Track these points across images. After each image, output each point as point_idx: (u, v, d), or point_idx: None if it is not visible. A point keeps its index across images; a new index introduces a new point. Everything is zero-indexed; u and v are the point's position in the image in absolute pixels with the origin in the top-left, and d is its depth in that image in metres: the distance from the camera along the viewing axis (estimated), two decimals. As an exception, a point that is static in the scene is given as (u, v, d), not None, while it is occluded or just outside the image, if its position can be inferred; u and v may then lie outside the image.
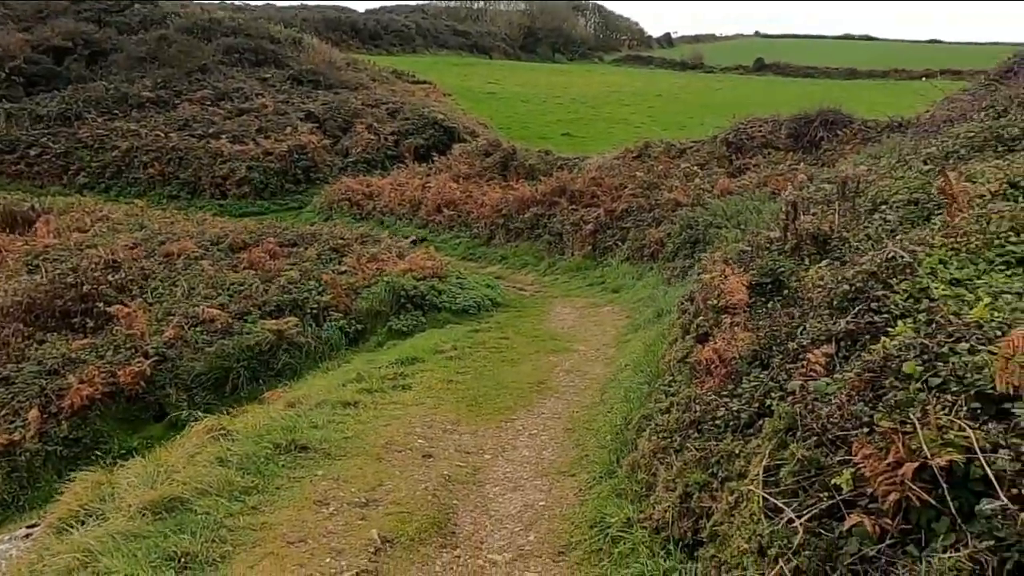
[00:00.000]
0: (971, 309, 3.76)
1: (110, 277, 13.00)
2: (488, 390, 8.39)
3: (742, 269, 7.15)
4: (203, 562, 4.62)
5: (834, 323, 4.57)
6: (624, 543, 4.74)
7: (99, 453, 8.88)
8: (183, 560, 4.60)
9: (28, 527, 6.55)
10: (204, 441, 6.48)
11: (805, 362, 4.33)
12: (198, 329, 11.07)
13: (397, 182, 22.29)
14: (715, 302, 6.63)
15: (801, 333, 4.81)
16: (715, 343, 5.78)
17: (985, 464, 2.64)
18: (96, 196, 24.16)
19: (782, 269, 6.57)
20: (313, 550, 4.84)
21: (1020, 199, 6.14)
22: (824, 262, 6.29)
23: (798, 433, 3.69)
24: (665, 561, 4.35)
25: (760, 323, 5.70)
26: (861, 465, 3.07)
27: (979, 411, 3.01)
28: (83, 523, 5.43)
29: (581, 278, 15.31)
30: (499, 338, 10.89)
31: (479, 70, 52.60)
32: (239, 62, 34.18)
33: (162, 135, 26.62)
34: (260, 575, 4.53)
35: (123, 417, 9.87)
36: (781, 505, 3.43)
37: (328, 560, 4.73)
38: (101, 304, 11.90)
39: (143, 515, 5.11)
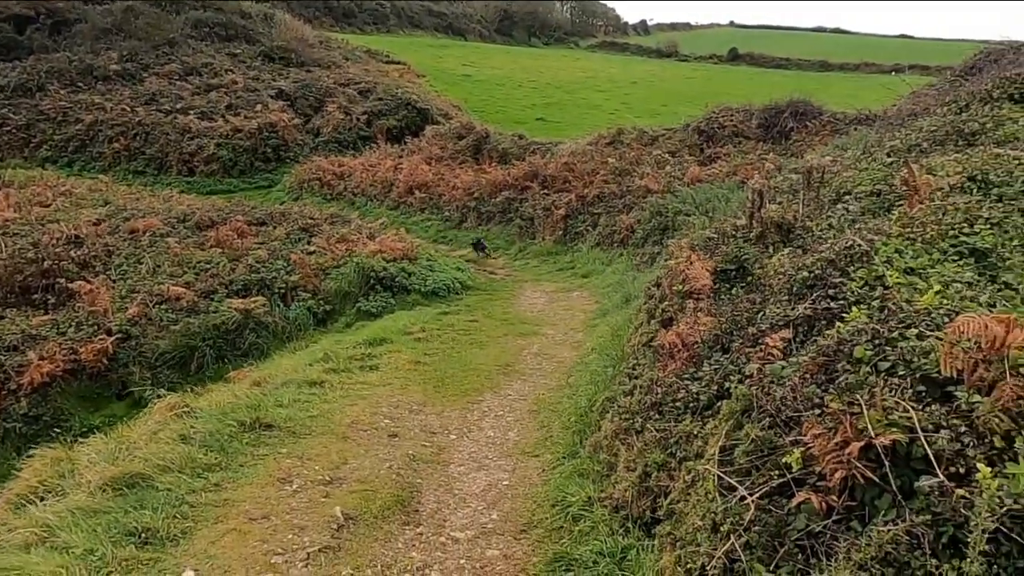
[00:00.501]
0: (922, 296, 3.87)
1: (72, 253, 12.76)
2: (455, 372, 8.43)
3: (707, 255, 7.26)
4: (164, 537, 4.61)
5: (792, 309, 4.68)
6: (584, 521, 4.83)
7: (59, 430, 8.75)
8: (144, 535, 4.58)
9: (-15, 503, 6.45)
10: (167, 418, 6.44)
11: (763, 346, 4.43)
12: (163, 307, 10.94)
13: (369, 163, 22.13)
14: (680, 287, 6.73)
15: (761, 318, 4.92)
16: (678, 327, 5.88)
17: (926, 443, 2.75)
18: (59, 170, 23.64)
19: (746, 256, 6.69)
20: (276, 526, 4.85)
21: (976, 193, 6.32)
22: (787, 250, 6.42)
23: (753, 414, 3.79)
24: (624, 539, 4.44)
25: (723, 308, 5.80)
26: (811, 445, 3.17)
27: (924, 394, 3.13)
28: (42, 499, 5.38)
29: (552, 263, 15.40)
30: (468, 321, 10.93)
31: (454, 52, 52.17)
32: (208, 36, 33.53)
33: (128, 109, 26.05)
34: (222, 551, 4.53)
35: (85, 395, 9.74)
36: (735, 483, 3.52)
37: (291, 536, 4.75)
38: (63, 280, 11.69)
39: (103, 491, 5.07)
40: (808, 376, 3.67)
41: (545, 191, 17.33)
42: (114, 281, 12.10)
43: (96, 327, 10.36)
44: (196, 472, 5.44)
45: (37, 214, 16.22)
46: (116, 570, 4.24)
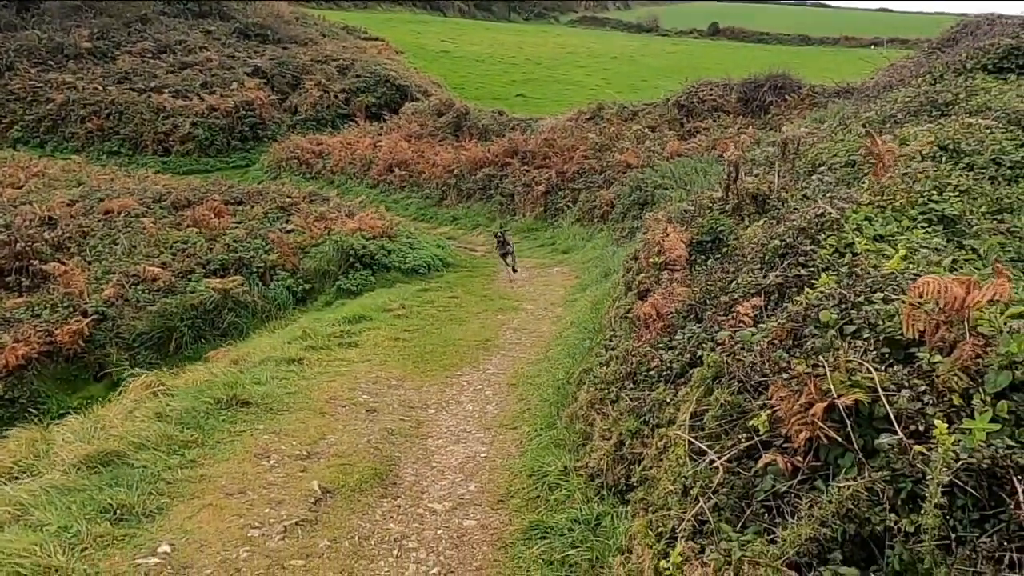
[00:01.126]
0: (889, 262, 3.92)
1: (46, 234, 12.59)
2: (435, 347, 8.44)
3: (684, 228, 7.28)
4: (140, 514, 4.60)
5: (764, 277, 4.71)
6: (561, 490, 4.89)
7: (36, 413, 8.67)
8: (119, 512, 4.57)
9: (-40, 485, 6.40)
10: (142, 397, 6.40)
11: (735, 314, 4.47)
12: (139, 288, 10.83)
13: (347, 141, 21.91)
14: (656, 259, 6.75)
15: (733, 287, 4.95)
16: (654, 298, 5.91)
17: (887, 403, 2.80)
18: (31, 151, 23.23)
19: (722, 228, 6.71)
20: (252, 501, 4.86)
21: (947, 161, 6.39)
22: (761, 221, 6.46)
23: (723, 380, 3.84)
24: (598, 506, 4.50)
25: (697, 279, 5.83)
26: (777, 407, 3.22)
27: (887, 355, 3.17)
28: (16, 479, 5.33)
29: (532, 239, 15.39)
30: (448, 297, 10.93)
31: (433, 28, 51.54)
32: (182, 13, 32.92)
33: (100, 88, 25.56)
34: (198, 526, 4.54)
35: (62, 377, 9.66)
36: (705, 448, 3.57)
37: (267, 510, 4.76)
38: (37, 262, 11.55)
39: (78, 469, 5.05)
40: (776, 341, 3.72)
41: (525, 167, 17.27)
42: (89, 262, 11.96)
43: (71, 309, 10.25)
44: (172, 449, 5.43)
45: (9, 195, 15.96)
46: (91, 546, 4.23)
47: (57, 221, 13.34)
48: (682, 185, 12.33)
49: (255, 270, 11.67)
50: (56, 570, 3.99)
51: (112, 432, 5.64)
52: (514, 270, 11.82)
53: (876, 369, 2.97)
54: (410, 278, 12.22)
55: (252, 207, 14.26)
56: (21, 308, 10.40)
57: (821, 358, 3.19)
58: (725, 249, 6.42)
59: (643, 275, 7.10)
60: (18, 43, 27.79)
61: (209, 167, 23.12)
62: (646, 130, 18.86)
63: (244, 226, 13.07)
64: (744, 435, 3.42)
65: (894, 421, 2.72)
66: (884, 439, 2.70)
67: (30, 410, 8.80)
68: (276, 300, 11.38)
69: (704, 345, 4.56)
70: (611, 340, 6.49)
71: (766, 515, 3.06)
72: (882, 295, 3.59)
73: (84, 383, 9.73)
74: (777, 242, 5.05)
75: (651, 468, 4.14)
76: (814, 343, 3.43)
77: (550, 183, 16.32)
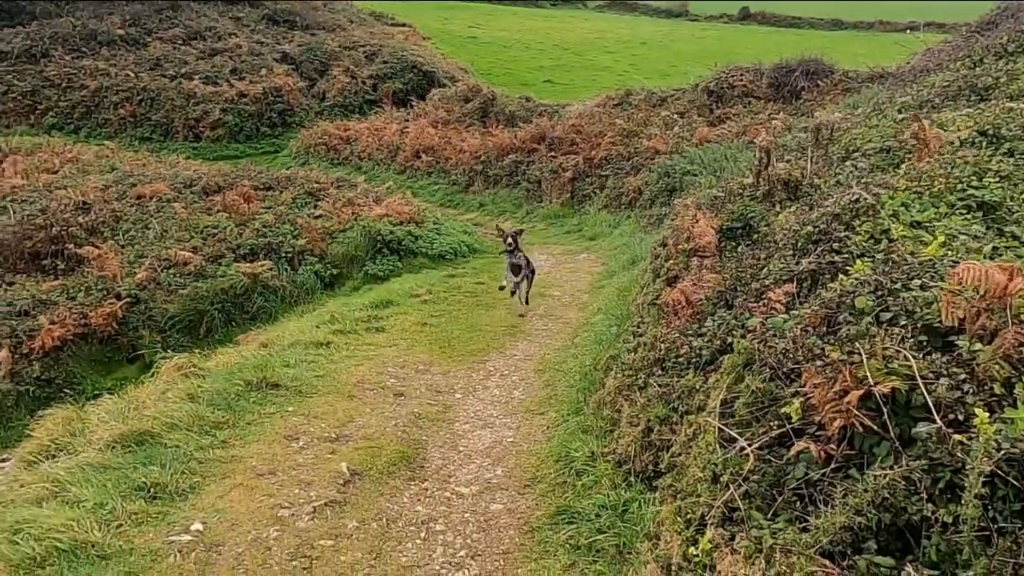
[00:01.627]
0: (927, 248, 3.83)
1: (80, 219, 12.80)
2: (462, 333, 8.46)
3: (713, 214, 7.20)
4: (172, 492, 4.69)
5: (796, 264, 4.64)
6: (588, 476, 4.88)
7: (72, 393, 8.87)
8: (152, 490, 4.66)
9: (-1, 462, 6.58)
10: (175, 378, 6.51)
11: (767, 301, 4.42)
12: (171, 271, 10.99)
13: (375, 127, 21.96)
14: (685, 246, 6.69)
15: (764, 274, 4.89)
16: (683, 285, 5.86)
17: (925, 391, 2.74)
18: (65, 137, 23.59)
19: (752, 214, 6.61)
20: (282, 481, 4.92)
21: (987, 147, 6.22)
22: (793, 207, 6.35)
23: (754, 367, 3.79)
24: (626, 492, 4.49)
25: (727, 265, 5.77)
26: (810, 395, 3.17)
27: (925, 343, 3.11)
28: (54, 456, 5.47)
29: (559, 226, 15.32)
30: (475, 283, 10.93)
31: (460, 13, 51.31)
32: (211, 0, 33.10)
33: (132, 75, 25.87)
34: (230, 504, 4.61)
35: (96, 358, 9.85)
36: (735, 435, 3.54)
37: (297, 491, 4.82)
38: (71, 246, 11.74)
39: (113, 448, 5.15)
40: (810, 328, 3.66)
41: (552, 154, 17.17)
42: (122, 246, 12.15)
43: (105, 291, 10.43)
44: (204, 430, 5.52)
45: (45, 180, 16.24)
46: (126, 523, 4.32)
47: (91, 206, 13.55)
48: (711, 172, 12.17)
49: (284, 255, 11.77)
50: (92, 545, 4.08)
51: (145, 412, 5.75)
52: (526, 301, 9.26)
53: (914, 357, 2.91)
54: (437, 264, 12.25)
55: (281, 193, 14.37)
56: (57, 291, 10.59)
57: (856, 345, 3.14)
58: (756, 236, 6.33)
59: (672, 262, 7.04)
60: (53, 30, 28.17)
61: (238, 153, 23.36)
62: (675, 116, 18.63)
63: (273, 211, 13.19)
64: (775, 422, 3.38)
65: (933, 410, 2.67)
66: (922, 428, 2.64)
67: (66, 390, 9.00)
68: (304, 285, 11.48)
69: (734, 332, 4.51)
70: (639, 327, 6.45)
71: (798, 503, 3.02)
72: (920, 282, 3.51)
73: (117, 364, 9.92)
74: (810, 228, 4.96)
75: (680, 455, 4.11)
76: (849, 330, 3.37)
77: (577, 169, 16.22)
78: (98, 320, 9.84)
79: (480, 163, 18.14)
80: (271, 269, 11.28)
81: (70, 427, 5.95)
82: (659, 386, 4.82)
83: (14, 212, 13.09)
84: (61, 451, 5.57)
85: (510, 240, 8.89)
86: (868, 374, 2.89)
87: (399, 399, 6.50)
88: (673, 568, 3.44)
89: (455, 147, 19.04)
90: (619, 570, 3.91)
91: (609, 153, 16.23)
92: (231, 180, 14.95)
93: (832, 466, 2.98)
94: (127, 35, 28.95)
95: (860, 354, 3.03)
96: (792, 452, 3.10)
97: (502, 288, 9.22)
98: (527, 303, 9.31)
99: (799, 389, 3.35)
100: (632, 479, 4.58)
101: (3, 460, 6.51)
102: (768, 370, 3.66)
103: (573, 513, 4.52)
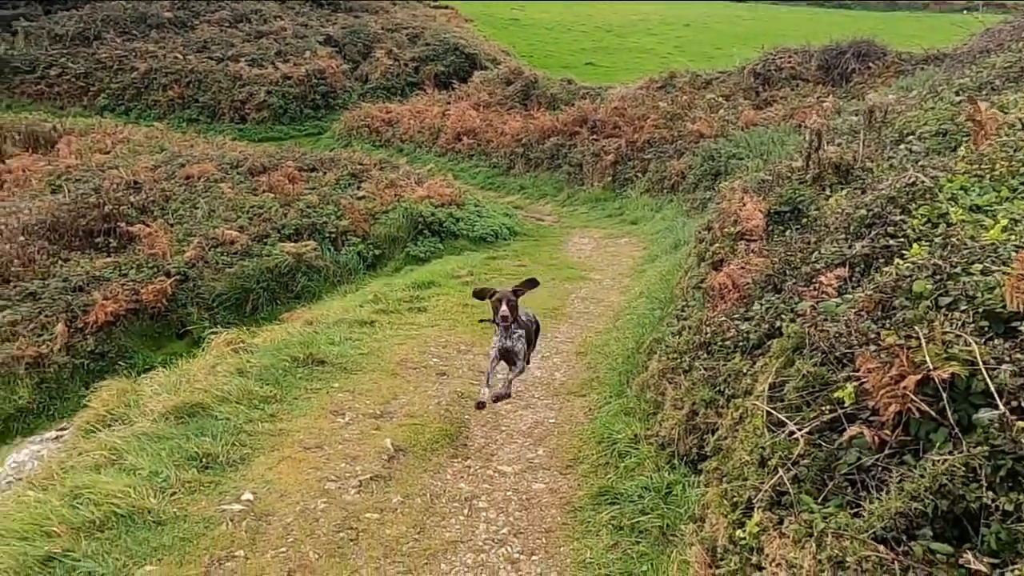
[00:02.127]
0: (988, 232, 3.72)
1: (132, 198, 13.13)
2: (503, 314, 8.46)
3: (761, 197, 7.07)
4: (224, 463, 4.82)
5: (849, 247, 4.54)
6: (630, 458, 4.87)
7: (124, 366, 9.14)
8: (204, 460, 4.80)
9: (58, 430, 6.83)
10: (224, 353, 6.66)
11: (817, 284, 4.33)
12: (218, 250, 11.23)
13: (416, 109, 22.05)
14: (732, 229, 6.59)
15: (815, 257, 4.79)
16: (729, 268, 5.78)
17: (987, 377, 2.67)
18: (116, 118, 24.16)
19: (801, 198, 6.49)
20: (329, 455, 5.02)
21: (1051, 129, 5.98)
22: (844, 191, 6.21)
23: (805, 351, 3.73)
24: (669, 474, 4.47)
25: (775, 249, 5.67)
26: (864, 379, 3.11)
27: (987, 328, 3.02)
28: (109, 426, 5.65)
29: (600, 209, 15.24)
30: (516, 265, 10.95)
31: (502, -5, 51.01)
32: (257, -18, 33.42)
33: (180, 57, 26.36)
34: (278, 476, 4.72)
35: (147, 333, 10.13)
36: (784, 419, 3.49)
37: (343, 465, 4.91)
38: (123, 224, 12.07)
39: (166, 419, 5.31)
40: (864, 312, 3.58)
41: (594, 137, 17.05)
42: (171, 225, 12.44)
43: (156, 269, 10.72)
44: (253, 403, 5.65)
45: (98, 160, 16.70)
46: (180, 491, 4.46)
47: (142, 185, 13.89)
48: (758, 155, 11.95)
49: (327, 235, 11.94)
50: (149, 511, 4.22)
51: (196, 385, 5.90)
52: (520, 369, 5.58)
53: (976, 342, 2.83)
54: (478, 246, 12.30)
55: (324, 174, 14.55)
56: (110, 268, 10.91)
57: (914, 330, 3.06)
58: (805, 219, 6.20)
59: (717, 245, 6.95)
60: (104, 13, 28.82)
61: (283, 134, 23.67)
62: (720, 99, 18.31)
63: (317, 192, 13.36)
64: (827, 407, 3.32)
65: (995, 396, 2.60)
66: (984, 414, 2.58)
67: (119, 364, 9.28)
68: (347, 265, 11.64)
69: (783, 316, 4.44)
70: (683, 310, 6.39)
71: (849, 488, 2.97)
72: (980, 266, 3.41)
73: (167, 340, 10.19)
74: (864, 212, 4.84)
75: (726, 438, 4.07)
76: (905, 314, 3.29)
77: (619, 153, 16.08)
78: (149, 296, 10.12)
79: (521, 146, 18.10)
80: (315, 249, 11.46)
81: (124, 398, 6.14)
82: (704, 369, 4.77)
83: (69, 191, 13.48)
84: (117, 421, 5.76)
85: (505, 311, 5.39)
86: (927, 359, 2.82)
87: (441, 378, 6.56)
88: (719, 550, 3.42)
89: (496, 130, 19.01)
90: (662, 551, 3.91)
91: (652, 136, 16.05)
92: (276, 161, 15.17)
93: (886, 452, 2.92)
94: (175, 18, 29.46)
95: (918, 338, 2.95)
96: (845, 437, 3.05)
97: (480, 406, 5.14)
98: (509, 395, 5.37)
99: (852, 374, 3.29)
100: (676, 462, 4.56)
101: (62, 429, 6.76)
102: (819, 354, 3.60)
103: (615, 494, 4.52)
